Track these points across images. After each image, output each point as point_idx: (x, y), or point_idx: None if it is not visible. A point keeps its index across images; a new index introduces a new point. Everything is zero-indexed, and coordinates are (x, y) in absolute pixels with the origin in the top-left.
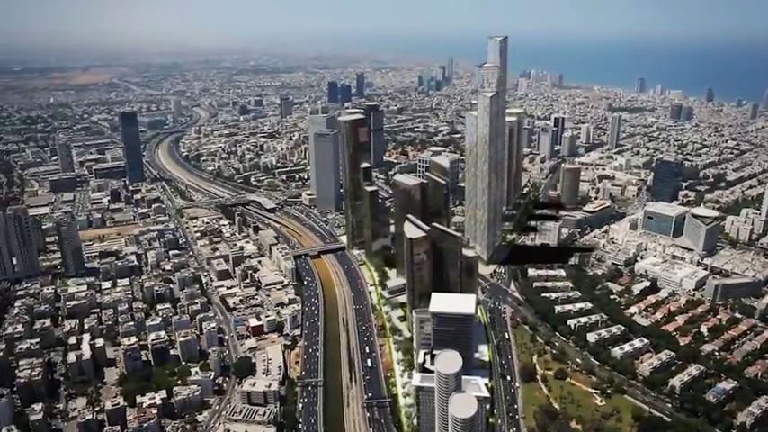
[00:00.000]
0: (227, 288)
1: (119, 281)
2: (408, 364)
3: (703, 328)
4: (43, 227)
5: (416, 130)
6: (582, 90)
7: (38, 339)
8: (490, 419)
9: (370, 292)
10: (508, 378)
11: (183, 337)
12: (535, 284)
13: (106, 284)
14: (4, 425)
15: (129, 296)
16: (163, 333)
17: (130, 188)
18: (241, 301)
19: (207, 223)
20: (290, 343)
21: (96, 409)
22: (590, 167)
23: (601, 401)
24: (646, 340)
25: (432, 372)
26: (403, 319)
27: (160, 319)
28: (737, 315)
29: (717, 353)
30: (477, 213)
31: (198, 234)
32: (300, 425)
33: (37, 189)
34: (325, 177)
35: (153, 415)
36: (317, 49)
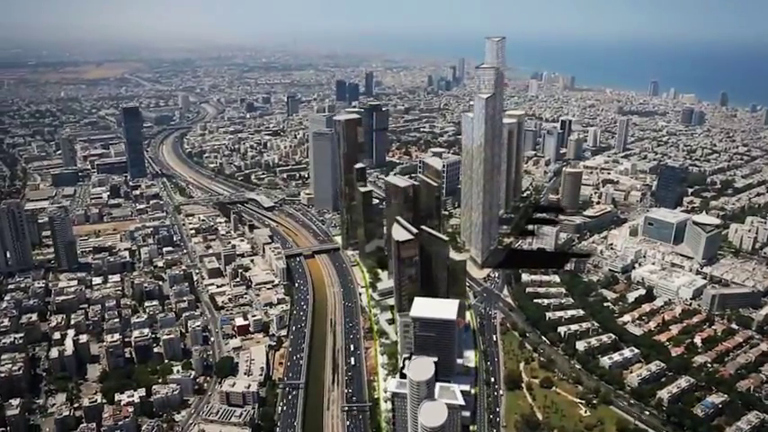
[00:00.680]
0: (218, 286)
1: (110, 277)
2: (393, 369)
3: (697, 339)
4: (39, 221)
5: (422, 130)
6: (594, 92)
7: (22, 334)
8: (471, 427)
9: (360, 294)
10: (493, 385)
11: (167, 335)
12: (528, 290)
13: (97, 280)
14: None
15: (119, 293)
16: (147, 331)
17: (131, 184)
18: (230, 299)
19: (203, 220)
20: (275, 344)
21: (75, 405)
22: (594, 171)
23: (585, 412)
24: (636, 350)
25: None
26: (391, 321)
27: (145, 316)
28: (734, 326)
29: (709, 365)
30: (472, 216)
31: (193, 231)
32: (278, 427)
33: (39, 183)
34: (323, 177)
35: (128, 413)
36: (330, 47)
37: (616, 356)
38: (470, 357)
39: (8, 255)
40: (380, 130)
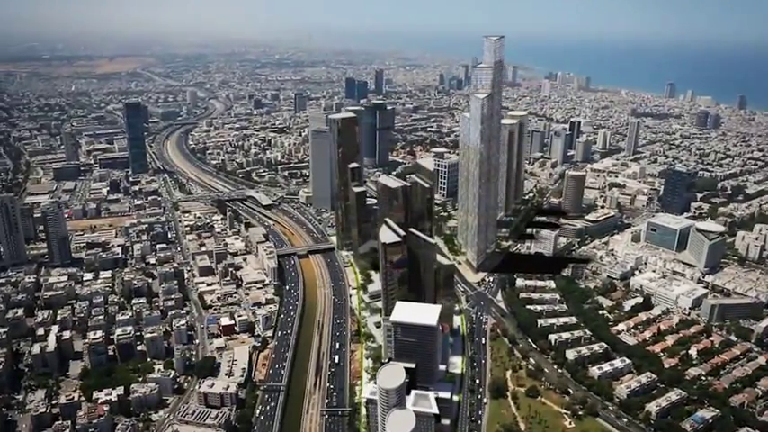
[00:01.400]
0: (208, 285)
1: (101, 273)
2: (375, 373)
3: (693, 351)
4: (36, 215)
5: (429, 129)
6: (609, 94)
7: (6, 329)
8: None
9: (351, 296)
10: (478, 393)
11: (150, 333)
12: (521, 295)
13: (88, 276)
14: None
15: (107, 289)
16: (130, 329)
17: (131, 179)
18: (219, 298)
19: (198, 218)
20: (259, 344)
21: (53, 402)
22: (601, 174)
23: (570, 423)
24: (628, 360)
25: None
26: (379, 325)
27: (131, 313)
28: (732, 338)
29: (703, 377)
30: (468, 218)
31: (188, 228)
32: (254, 430)
33: (41, 177)
34: (322, 175)
35: (103, 412)
36: (344, 44)
37: (606, 366)
38: (457, 363)
39: (1, 249)
40: (384, 129)
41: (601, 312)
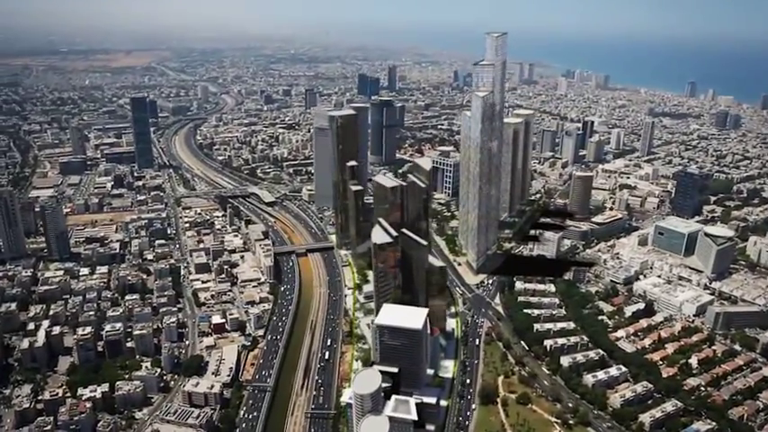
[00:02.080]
0: (203, 282)
1: (98, 268)
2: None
3: (693, 360)
4: (37, 209)
5: (440, 127)
6: (627, 92)
7: None
8: None
9: (346, 296)
10: (467, 398)
11: (140, 330)
12: (520, 298)
13: (85, 271)
14: None
15: (102, 285)
16: (119, 325)
17: (136, 174)
18: (212, 296)
19: (199, 214)
20: (249, 344)
21: (38, 398)
22: (612, 175)
23: None
24: (624, 368)
25: None
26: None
27: (121, 310)
28: (737, 347)
29: (703, 388)
30: (469, 219)
31: (187, 225)
32: (237, 430)
33: (48, 170)
34: (324, 173)
35: (85, 409)
36: (360, 40)
37: (601, 374)
38: (449, 368)
39: (1, 243)
40: (391, 126)
41: (600, 318)
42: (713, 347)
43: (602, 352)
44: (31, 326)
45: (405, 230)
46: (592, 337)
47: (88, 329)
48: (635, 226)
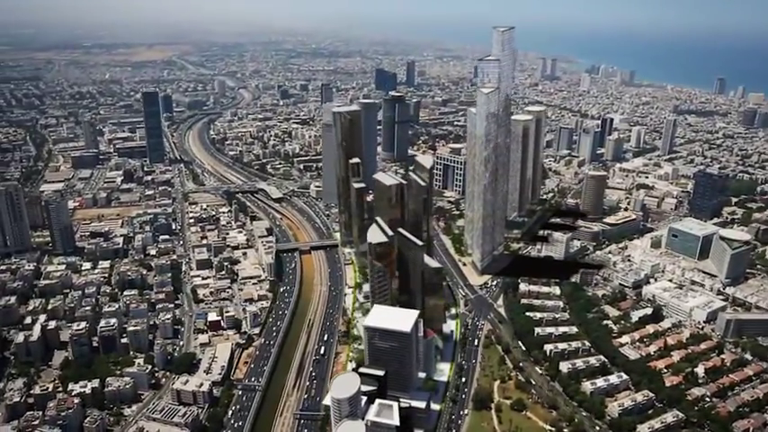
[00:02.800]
0: (203, 279)
1: (100, 263)
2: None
3: (700, 369)
4: (43, 203)
5: (456, 123)
6: (653, 89)
7: None
8: None
9: (346, 295)
10: (461, 403)
11: (134, 327)
12: (523, 301)
13: (87, 265)
14: None
15: (102, 279)
16: (114, 321)
17: (146, 169)
18: (211, 293)
19: (204, 209)
20: (244, 342)
21: (31, 392)
22: (630, 174)
23: None
24: (625, 376)
25: None
26: None
27: (117, 305)
28: (747, 356)
29: (707, 399)
30: (474, 218)
31: (192, 220)
32: (224, 430)
33: (60, 164)
34: (331, 170)
35: (73, 404)
36: (384, 34)
37: (600, 382)
38: (444, 371)
39: (6, 236)
40: (403, 122)
41: (605, 323)
42: (722, 356)
43: (603, 358)
44: (29, 320)
45: (401, 230)
46: (594, 342)
47: (83, 324)
48: (649, 227)
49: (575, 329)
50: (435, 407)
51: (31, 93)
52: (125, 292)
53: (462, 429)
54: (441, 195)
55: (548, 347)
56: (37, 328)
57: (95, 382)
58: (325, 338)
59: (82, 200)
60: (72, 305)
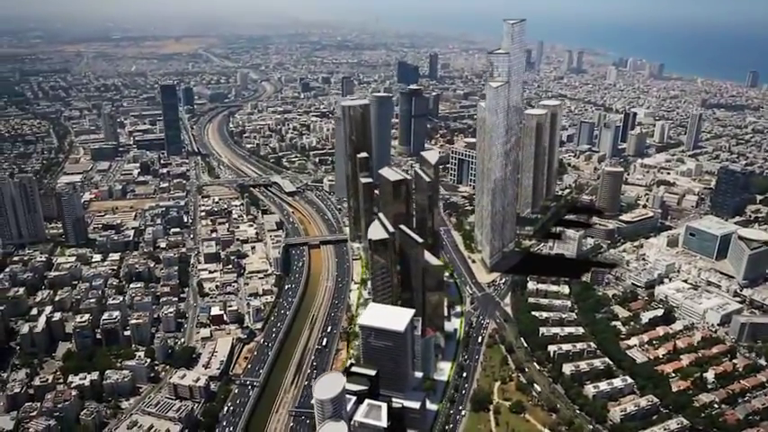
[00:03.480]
0: (210, 272)
1: (111, 255)
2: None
3: (710, 374)
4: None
5: (476, 117)
6: (682, 82)
7: (2, 307)
8: None
9: (351, 291)
10: (459, 404)
11: (136, 320)
12: (530, 300)
13: (97, 257)
14: None
15: (111, 272)
16: (116, 313)
17: (163, 161)
18: (217, 287)
19: (216, 202)
20: (245, 337)
21: (32, 383)
22: (651, 170)
23: None
24: (630, 380)
25: None
26: None
27: (122, 298)
28: (761, 362)
29: (716, 405)
30: (484, 215)
31: (203, 213)
32: (218, 426)
33: (80, 156)
34: (343, 164)
35: (70, 396)
36: (411, 26)
37: (604, 385)
38: (445, 370)
39: (21, 228)
40: (420, 116)
41: (613, 324)
42: (734, 361)
43: (608, 361)
44: (35, 311)
45: (402, 227)
46: (600, 344)
47: (87, 317)
48: (668, 225)
49: (581, 330)
50: (432, 407)
51: (59, 85)
52: (131, 285)
53: (458, 431)
54: (455, 190)
55: (552, 348)
56: (42, 320)
57: (95, 375)
58: (328, 335)
59: (98, 192)
60: (79, 297)
